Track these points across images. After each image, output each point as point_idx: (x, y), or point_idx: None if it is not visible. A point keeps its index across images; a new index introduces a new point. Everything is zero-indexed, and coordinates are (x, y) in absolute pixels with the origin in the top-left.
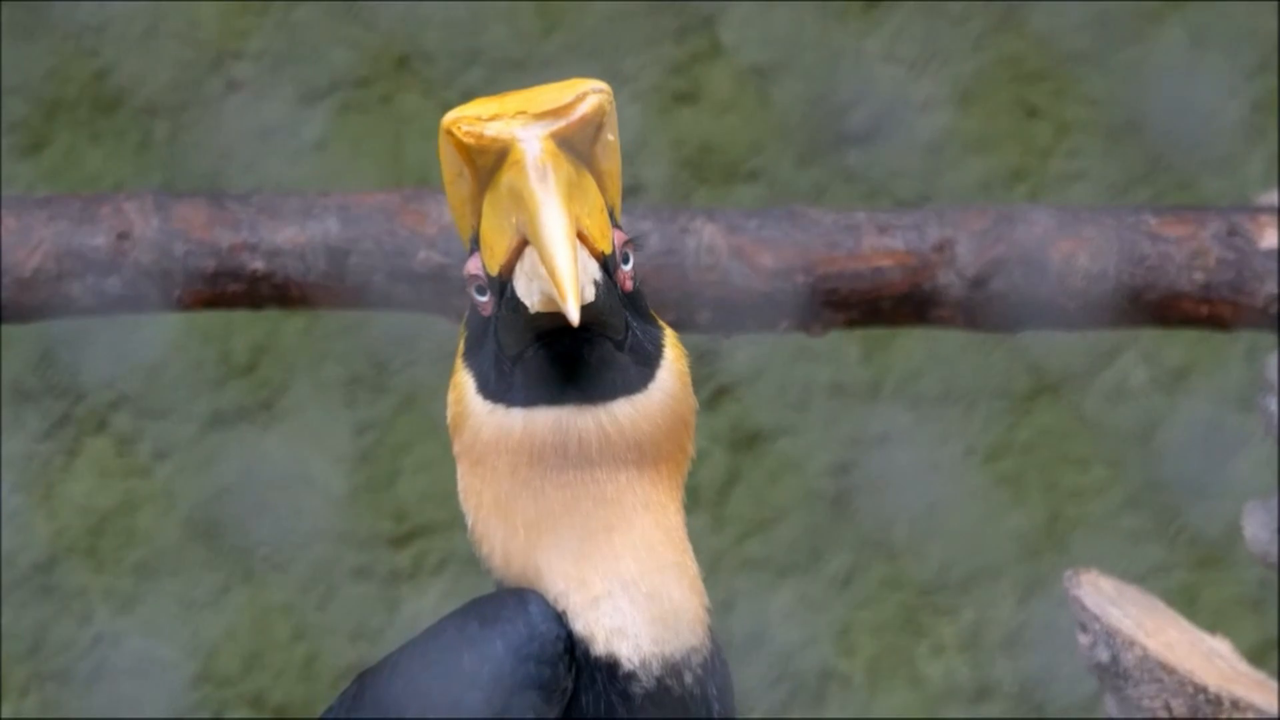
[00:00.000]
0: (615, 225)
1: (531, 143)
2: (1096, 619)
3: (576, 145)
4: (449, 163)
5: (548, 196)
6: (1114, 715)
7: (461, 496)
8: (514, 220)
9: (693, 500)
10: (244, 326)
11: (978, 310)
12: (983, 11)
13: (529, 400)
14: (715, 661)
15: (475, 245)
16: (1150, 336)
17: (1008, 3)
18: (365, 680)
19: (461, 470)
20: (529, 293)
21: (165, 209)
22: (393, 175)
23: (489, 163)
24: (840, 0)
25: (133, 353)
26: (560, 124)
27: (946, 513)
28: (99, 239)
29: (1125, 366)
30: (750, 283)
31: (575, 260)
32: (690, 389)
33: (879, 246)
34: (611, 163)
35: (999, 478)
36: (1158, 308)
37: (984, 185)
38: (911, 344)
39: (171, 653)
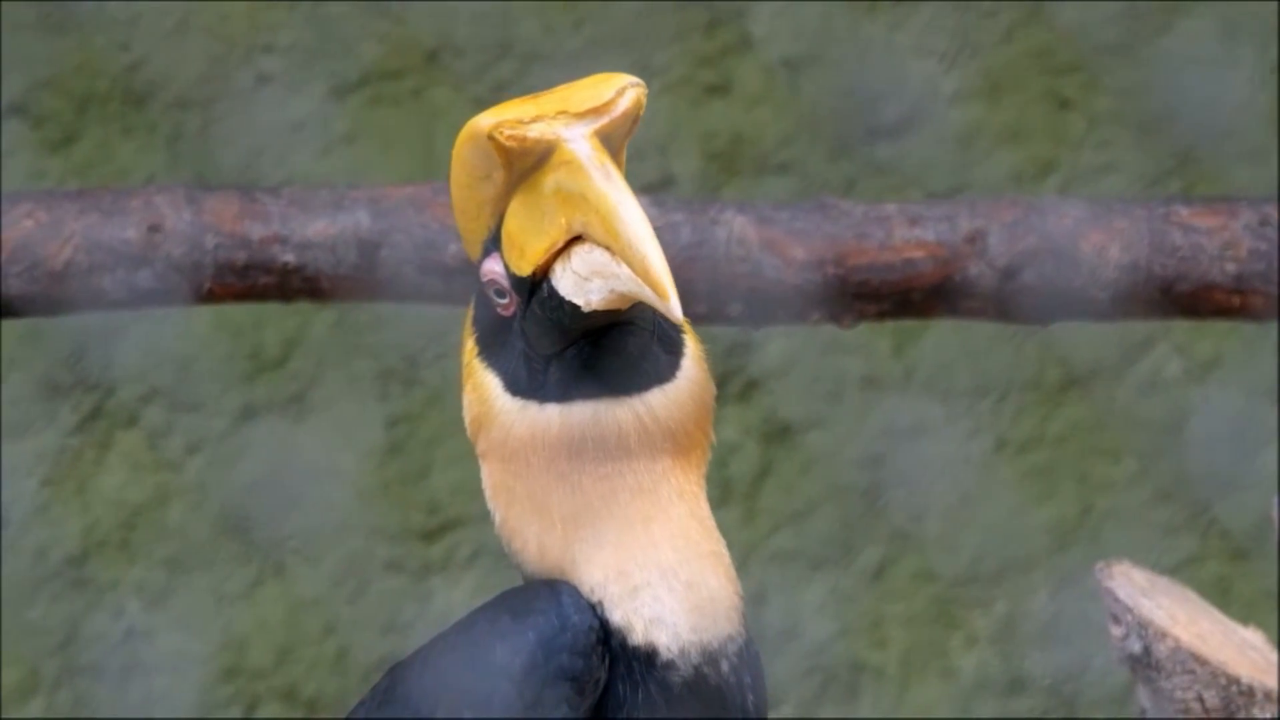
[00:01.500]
0: None
1: (580, 142)
2: (1129, 611)
3: (613, 140)
4: (470, 165)
5: (622, 196)
6: (1146, 707)
7: (489, 493)
8: (561, 220)
9: (725, 493)
10: (275, 320)
11: (1009, 302)
12: (1013, 4)
13: (564, 396)
14: (748, 650)
15: (492, 246)
16: (1182, 328)
17: None
18: (397, 673)
19: (488, 468)
20: (580, 291)
21: (196, 202)
22: (423, 168)
23: (528, 165)
24: None
25: (164, 346)
26: (603, 121)
27: (978, 505)
28: (130, 232)
29: (1157, 358)
30: (781, 275)
31: (664, 259)
32: (708, 373)
33: (910, 238)
34: (623, 154)
35: (1030, 470)
36: (1189, 299)
37: (1015, 177)
38: (942, 336)
39: (203, 646)
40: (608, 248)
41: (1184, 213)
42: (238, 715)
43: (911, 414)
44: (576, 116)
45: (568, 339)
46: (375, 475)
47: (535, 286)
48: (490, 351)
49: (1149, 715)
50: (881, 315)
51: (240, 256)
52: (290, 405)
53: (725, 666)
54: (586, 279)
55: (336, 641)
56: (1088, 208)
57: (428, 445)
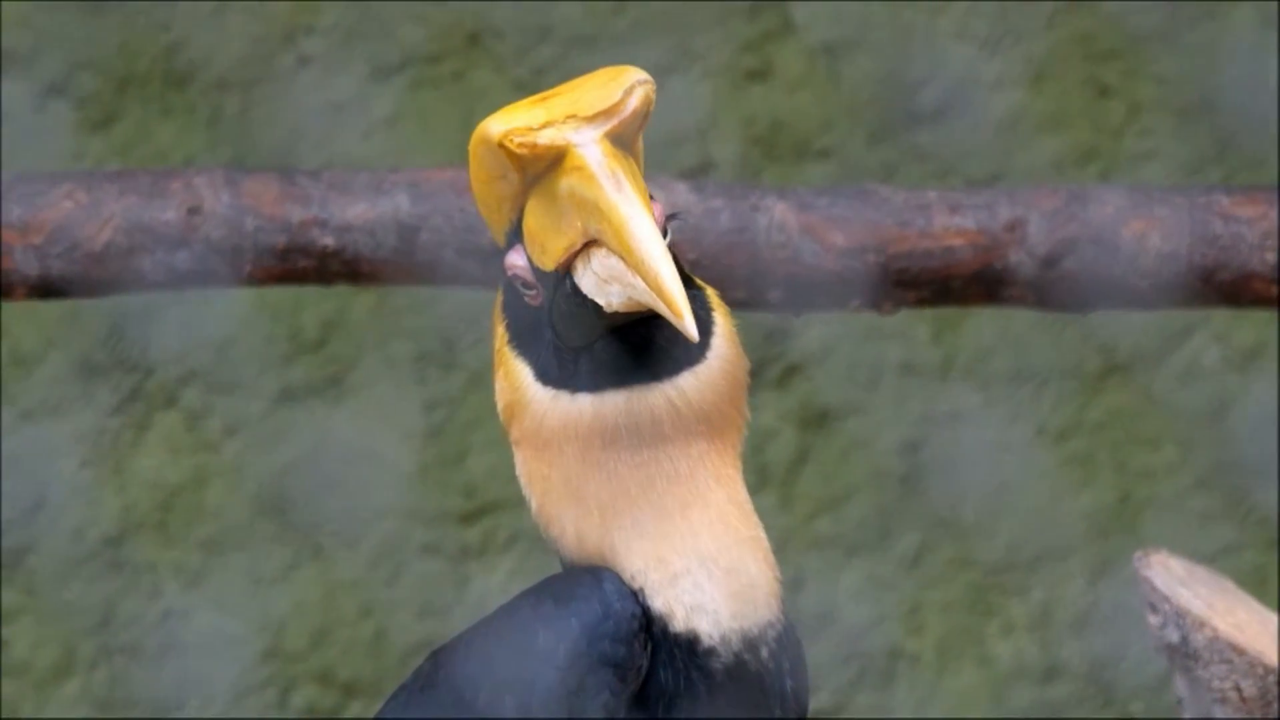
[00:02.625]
0: (651, 197)
1: (591, 148)
2: (1166, 599)
3: (624, 137)
4: (486, 165)
5: (633, 209)
6: (1183, 696)
7: (523, 480)
8: (577, 223)
9: (762, 479)
10: (313, 302)
11: (1049, 290)
12: None
13: (596, 385)
14: (788, 636)
15: (515, 238)
16: (1221, 317)
17: None
18: (439, 658)
19: (523, 456)
20: (602, 292)
21: (235, 184)
22: (463, 152)
23: (541, 168)
24: None
25: (202, 328)
26: (613, 123)
27: (1016, 492)
28: (169, 214)
29: (1196, 347)
30: (821, 261)
31: (678, 277)
32: (740, 349)
33: (950, 225)
34: (639, 145)
35: (1069, 458)
36: (1229, 288)
37: (1055, 164)
38: (982, 323)
39: (240, 628)
40: (622, 259)
41: (1225, 201)
42: (274, 697)
43: (950, 401)
44: (586, 120)
45: (595, 332)
46: (413, 458)
47: (559, 281)
48: (521, 339)
49: (1186, 704)
50: (921, 302)
51: (280, 239)
52: (329, 388)
53: (765, 653)
54: (606, 281)
55: (373, 624)
56: (1128, 196)
57: (466, 429)
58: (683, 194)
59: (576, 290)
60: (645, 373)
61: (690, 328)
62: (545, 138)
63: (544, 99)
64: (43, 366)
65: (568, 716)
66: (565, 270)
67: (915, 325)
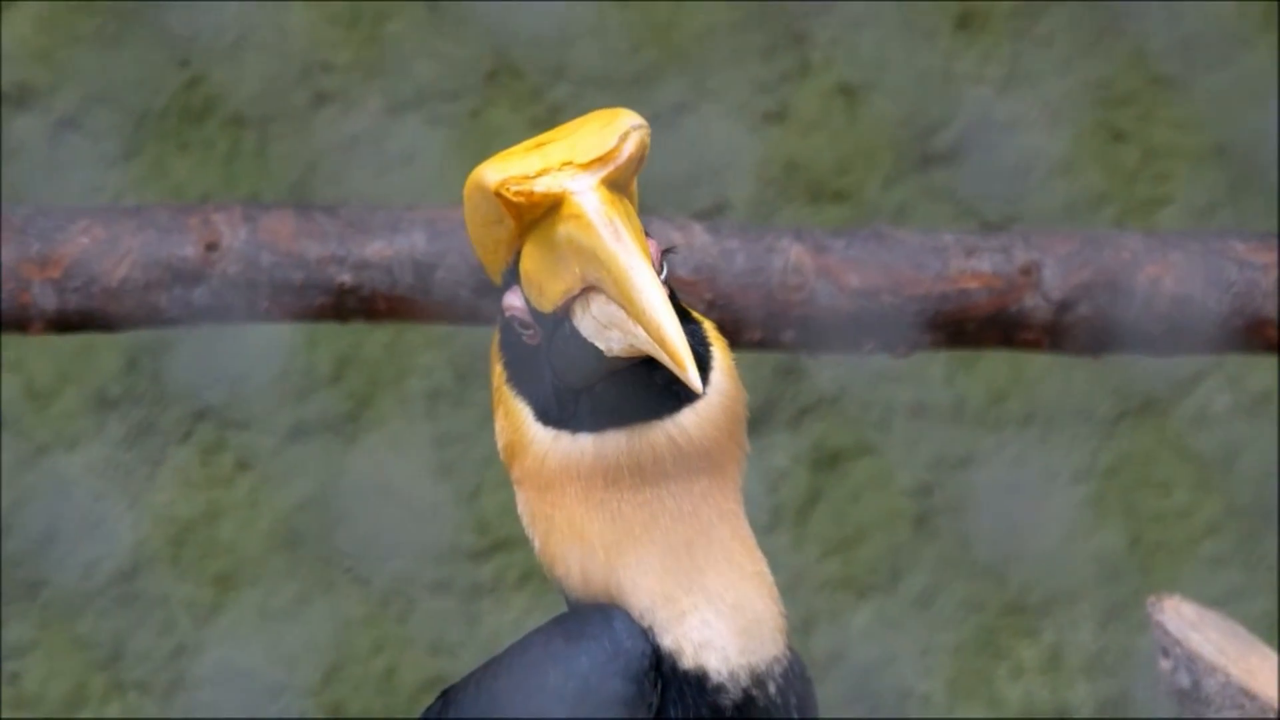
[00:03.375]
0: (647, 233)
1: (588, 196)
2: (1178, 644)
3: (620, 181)
4: (481, 209)
5: (634, 260)
6: None
7: (525, 520)
8: (575, 269)
9: (774, 519)
10: (329, 338)
11: (1063, 333)
12: (1071, 34)
13: (596, 424)
14: (794, 671)
15: (512, 279)
16: (1234, 361)
17: (1096, 26)
18: (450, 696)
19: (525, 496)
20: (602, 338)
21: (253, 220)
22: None
23: (537, 214)
24: (930, 20)
25: (218, 363)
26: (609, 169)
27: (1029, 535)
28: (187, 249)
29: (1209, 391)
30: (836, 303)
31: (680, 328)
32: (739, 382)
33: (965, 269)
34: (633, 185)
35: (1081, 501)
36: (1243, 333)
37: (1070, 208)
38: (994, 365)
39: (252, 663)
40: (623, 309)
41: (1239, 247)
42: None
43: (963, 443)
44: (583, 167)
45: (595, 374)
46: (426, 495)
47: (558, 323)
48: (519, 378)
49: None
50: (936, 345)
51: (297, 276)
52: (343, 424)
53: (772, 688)
54: (606, 327)
55: (385, 660)
56: (1143, 241)
57: (479, 466)
58: (699, 234)
59: (575, 333)
60: (646, 411)
61: (695, 381)
62: (542, 186)
63: (539, 145)
64: (58, 400)
65: None
66: (564, 313)
67: (929, 367)
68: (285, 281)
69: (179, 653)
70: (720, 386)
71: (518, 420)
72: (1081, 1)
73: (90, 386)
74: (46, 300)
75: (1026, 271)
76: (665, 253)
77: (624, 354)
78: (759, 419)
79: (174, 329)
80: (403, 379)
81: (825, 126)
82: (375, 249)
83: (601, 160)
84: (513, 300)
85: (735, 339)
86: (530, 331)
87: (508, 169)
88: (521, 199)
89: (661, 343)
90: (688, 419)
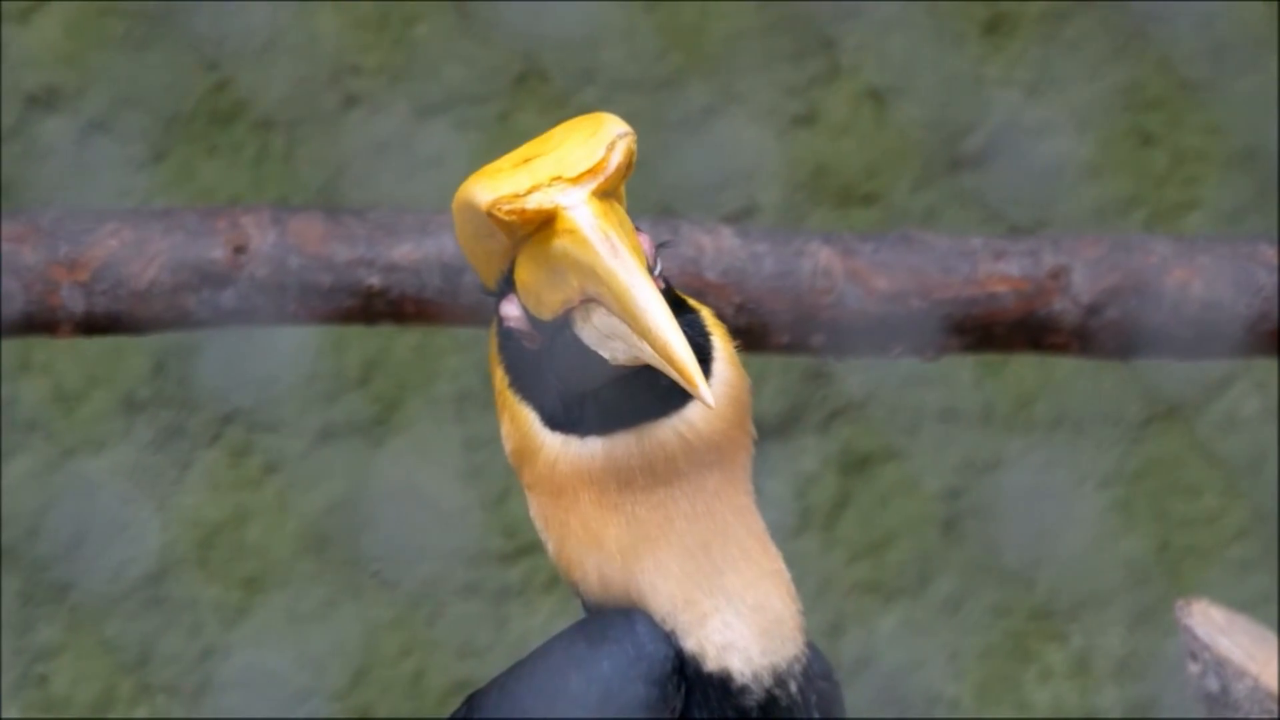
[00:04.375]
0: (638, 229)
1: (581, 210)
2: (1207, 648)
3: (610, 191)
4: (471, 224)
5: (633, 276)
6: None
7: (539, 525)
8: (574, 282)
9: (803, 522)
10: (357, 341)
11: (1092, 338)
12: (1100, 38)
13: (604, 427)
14: (814, 668)
15: (508, 288)
16: (1263, 366)
17: (1125, 30)
18: (474, 701)
19: (537, 501)
20: (605, 347)
21: (281, 223)
22: None
23: (530, 230)
24: (959, 24)
25: (246, 366)
26: (599, 181)
27: (1057, 539)
28: (215, 252)
29: (1237, 396)
30: (865, 306)
31: (686, 343)
32: (741, 368)
33: (994, 272)
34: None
35: (1110, 505)
36: (1272, 338)
37: (1099, 212)
38: (1023, 369)
39: (280, 666)
40: (625, 323)
41: (1268, 251)
42: None
43: (991, 447)
44: (573, 181)
45: (599, 379)
46: (454, 498)
47: (559, 330)
48: (521, 382)
49: None
50: (965, 349)
51: (325, 279)
52: (371, 427)
53: (794, 687)
54: (609, 338)
55: (413, 664)
56: (1172, 245)
57: (507, 469)
58: (727, 238)
59: (578, 340)
60: (652, 410)
61: (706, 396)
62: (534, 203)
63: (526, 159)
64: (86, 403)
65: None
66: (563, 320)
67: (958, 371)
68: (313, 284)
69: (207, 655)
70: (724, 376)
71: (524, 426)
72: (1110, 4)
73: (118, 389)
74: (75, 303)
75: (1055, 275)
76: (659, 247)
77: (628, 363)
78: (787, 423)
79: (202, 332)
80: (431, 382)
81: (854, 130)
82: (403, 252)
83: (591, 172)
84: (510, 309)
85: (763, 342)
86: (530, 338)
87: (498, 187)
88: (514, 217)
89: (670, 361)
90: (695, 414)
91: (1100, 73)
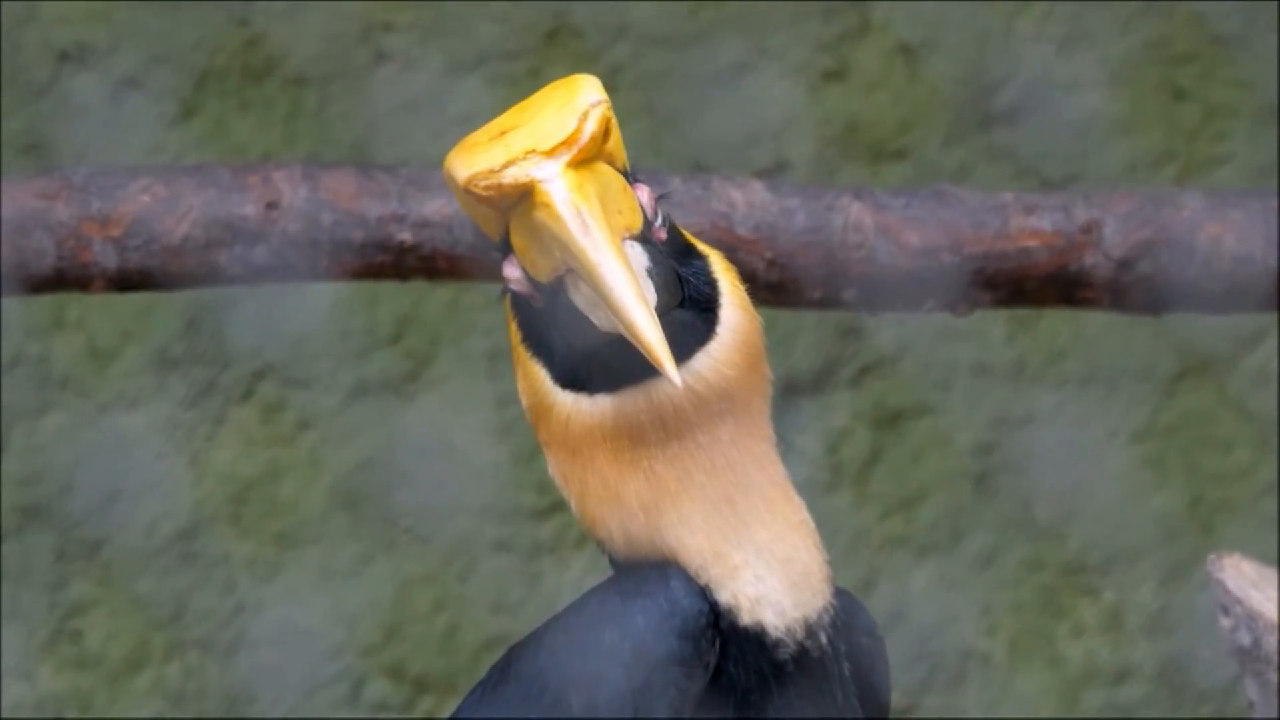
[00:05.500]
0: (636, 181)
1: (555, 184)
2: (1239, 602)
3: (589, 158)
4: (460, 194)
5: (602, 254)
6: (1254, 700)
7: (559, 482)
8: (556, 254)
9: (835, 478)
10: (390, 297)
11: (1124, 292)
12: None
13: (612, 384)
14: (856, 623)
15: (508, 249)
16: None
17: None
18: (513, 653)
19: (555, 459)
20: (593, 314)
21: (313, 179)
22: None
23: (512, 201)
24: None
25: (279, 322)
26: (572, 152)
27: (1089, 494)
28: (247, 208)
29: (1270, 349)
30: (896, 261)
31: (657, 325)
32: (752, 310)
33: (1026, 227)
34: (615, 140)
35: (1143, 459)
36: None
37: (1131, 167)
38: (1057, 324)
39: (312, 622)
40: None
41: None
42: (345, 691)
43: (1024, 402)
44: (547, 154)
45: (600, 337)
46: (487, 454)
47: (556, 292)
48: (533, 338)
49: (1257, 708)
50: (996, 303)
51: (357, 234)
52: (404, 383)
53: (824, 638)
54: (594, 305)
55: (446, 619)
56: (1204, 199)
57: None
58: (759, 193)
59: (571, 304)
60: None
61: (672, 374)
62: (509, 178)
63: (502, 132)
64: (119, 360)
65: (634, 714)
66: (559, 285)
67: (988, 326)
68: (346, 240)
69: (239, 612)
70: (732, 322)
71: (537, 383)
72: None
73: (151, 345)
74: (107, 259)
75: (1087, 230)
76: (659, 199)
77: (612, 331)
78: (819, 378)
79: (234, 288)
80: (463, 338)
81: (885, 86)
82: (436, 207)
83: (565, 144)
84: (511, 271)
85: (795, 298)
86: (534, 298)
87: (474, 163)
88: (492, 193)
89: (636, 338)
90: (702, 363)
91: (1131, 27)
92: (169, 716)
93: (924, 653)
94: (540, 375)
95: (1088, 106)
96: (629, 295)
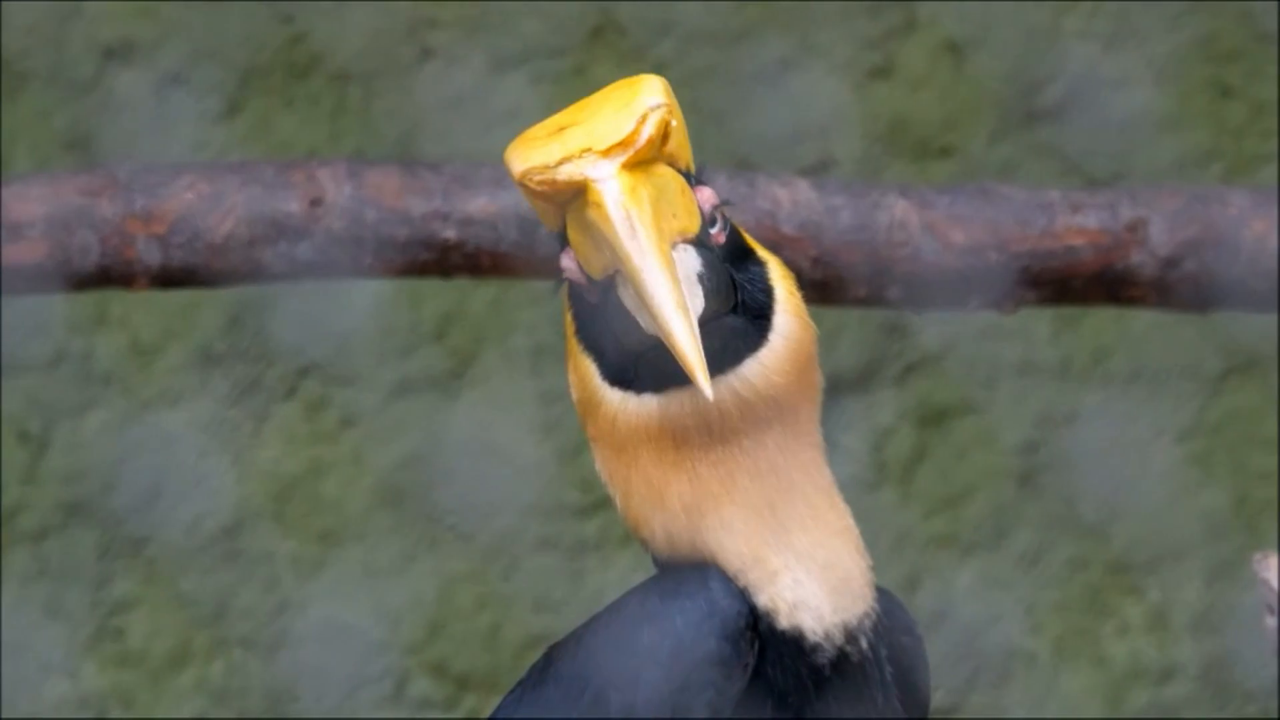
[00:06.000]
0: (699, 183)
1: (608, 184)
2: None
3: (646, 160)
4: (519, 185)
5: (646, 262)
6: None
7: (605, 478)
8: (606, 253)
9: (880, 476)
10: (433, 294)
11: (1169, 290)
12: None
13: (659, 384)
14: (884, 624)
15: (565, 242)
16: None
17: None
18: (553, 653)
19: (601, 455)
20: (638, 316)
21: (358, 176)
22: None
23: (566, 198)
24: None
25: (322, 319)
26: (628, 154)
27: (1134, 492)
28: (292, 205)
29: None
30: (941, 259)
31: (695, 334)
32: (807, 319)
33: (1072, 225)
34: (679, 141)
35: (1188, 458)
36: None
37: (1177, 164)
38: (1102, 322)
39: (355, 620)
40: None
41: None
42: (388, 689)
43: (1069, 400)
44: (603, 154)
45: (643, 342)
46: (531, 452)
47: (607, 289)
48: (587, 331)
49: None
50: (1042, 301)
51: (401, 232)
52: (447, 380)
53: (864, 643)
54: (639, 310)
55: (489, 617)
56: (1250, 197)
57: None
58: (804, 191)
59: (620, 303)
60: (709, 366)
61: (704, 384)
62: (564, 174)
63: (560, 129)
64: (163, 357)
65: (672, 715)
66: (610, 282)
67: (1035, 324)
68: (389, 238)
69: (282, 609)
70: (785, 330)
71: (586, 377)
72: None
73: (194, 343)
74: (151, 256)
75: (1132, 228)
76: (721, 205)
77: (656, 335)
78: (864, 376)
79: (278, 285)
80: (507, 335)
81: (931, 83)
82: (479, 205)
83: (621, 145)
84: (568, 263)
85: (840, 296)
86: (589, 291)
87: (530, 157)
88: (546, 188)
89: (673, 349)
90: (751, 370)
91: (1178, 24)
92: (211, 714)
93: (968, 652)
94: (591, 370)
95: (1134, 104)
96: (668, 303)
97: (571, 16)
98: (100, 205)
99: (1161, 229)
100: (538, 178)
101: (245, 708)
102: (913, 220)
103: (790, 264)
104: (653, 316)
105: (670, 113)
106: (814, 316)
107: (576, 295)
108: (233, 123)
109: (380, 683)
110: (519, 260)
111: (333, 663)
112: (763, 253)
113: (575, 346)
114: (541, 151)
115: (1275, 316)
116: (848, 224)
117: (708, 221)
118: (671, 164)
